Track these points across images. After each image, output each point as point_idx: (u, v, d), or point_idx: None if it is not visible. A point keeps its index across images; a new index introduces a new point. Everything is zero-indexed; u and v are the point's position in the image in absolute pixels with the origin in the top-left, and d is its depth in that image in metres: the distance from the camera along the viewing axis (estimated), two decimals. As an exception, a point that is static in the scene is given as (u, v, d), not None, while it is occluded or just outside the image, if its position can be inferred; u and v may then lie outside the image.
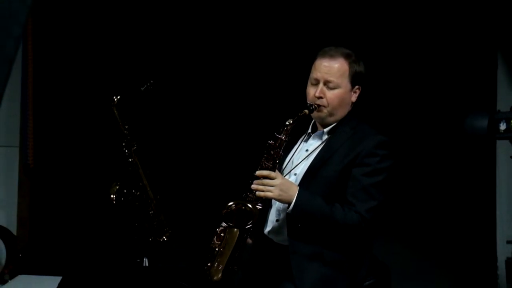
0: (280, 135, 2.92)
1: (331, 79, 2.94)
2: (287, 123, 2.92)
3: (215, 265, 2.90)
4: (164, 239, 3.33)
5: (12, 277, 4.38)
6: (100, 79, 4.50)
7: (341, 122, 2.99)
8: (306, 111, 2.92)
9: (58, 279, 3.74)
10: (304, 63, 3.08)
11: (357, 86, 2.99)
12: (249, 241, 2.99)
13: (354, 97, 3.00)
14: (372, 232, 2.91)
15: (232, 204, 2.87)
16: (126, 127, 3.33)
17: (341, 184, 2.87)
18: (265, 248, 3.01)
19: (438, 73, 4.41)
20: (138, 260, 3.32)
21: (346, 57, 2.96)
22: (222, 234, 2.95)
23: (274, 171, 2.89)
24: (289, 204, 2.84)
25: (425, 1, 4.36)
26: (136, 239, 3.33)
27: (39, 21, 4.56)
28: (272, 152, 2.92)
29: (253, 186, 2.86)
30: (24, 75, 4.60)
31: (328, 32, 4.25)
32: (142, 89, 3.30)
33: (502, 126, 2.85)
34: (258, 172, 2.87)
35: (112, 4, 4.55)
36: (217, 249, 2.93)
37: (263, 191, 2.84)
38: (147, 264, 3.30)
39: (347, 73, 2.95)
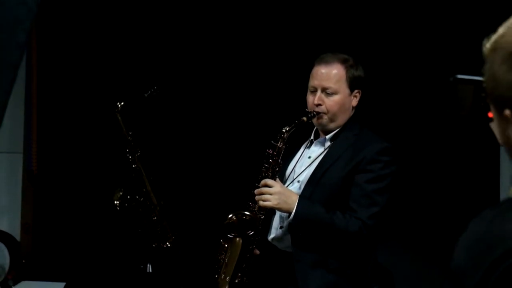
0: (277, 142, 2.92)
1: (328, 85, 2.94)
2: (283, 130, 2.92)
3: (222, 277, 2.90)
4: (167, 245, 3.33)
5: (15, 283, 4.38)
6: (104, 85, 4.50)
7: (343, 128, 2.99)
8: (304, 118, 2.93)
9: (61, 285, 3.74)
10: (307, 70, 3.08)
11: (356, 90, 2.99)
12: (257, 252, 2.99)
13: (354, 102, 3.00)
14: (375, 238, 2.91)
15: (233, 216, 2.87)
16: (130, 133, 3.33)
17: (344, 191, 2.87)
18: (269, 255, 3.00)
19: (441, 78, 4.41)
20: (142, 266, 3.32)
21: (343, 62, 2.96)
22: (226, 245, 2.95)
23: (274, 179, 2.89)
24: (289, 213, 2.84)
25: (429, 6, 4.36)
26: (140, 245, 3.33)
27: (43, 28, 4.57)
28: (271, 160, 2.92)
29: (255, 198, 2.87)
30: (28, 81, 4.61)
31: (331, 37, 4.25)
32: (146, 95, 3.31)
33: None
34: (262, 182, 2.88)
35: (115, 12, 4.55)
36: (222, 261, 2.93)
37: (262, 200, 2.84)
38: (150, 270, 3.30)
39: (344, 78, 2.95)
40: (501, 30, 1.26)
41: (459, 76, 1.35)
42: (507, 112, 1.22)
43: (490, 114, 1.29)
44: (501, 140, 1.28)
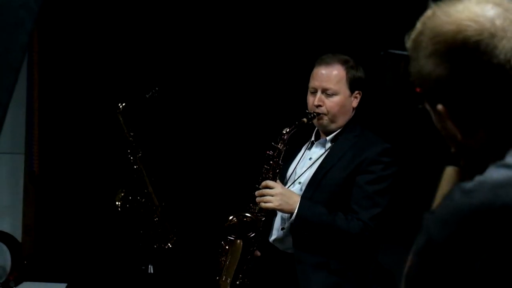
0: (277, 144, 2.92)
1: (328, 87, 2.93)
2: (283, 131, 2.92)
3: (223, 279, 2.90)
4: (169, 246, 3.33)
5: (17, 284, 4.38)
6: (105, 86, 4.51)
7: (344, 129, 2.99)
8: (305, 119, 2.93)
9: (63, 286, 3.74)
10: (307, 71, 3.08)
11: (357, 91, 2.98)
12: (258, 253, 2.99)
13: (355, 103, 3.00)
14: (377, 239, 2.91)
15: (233, 218, 2.87)
16: (131, 134, 3.33)
17: (345, 192, 2.87)
18: (270, 257, 3.00)
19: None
20: (143, 267, 3.32)
21: (343, 63, 2.96)
22: (227, 247, 2.95)
23: (275, 181, 2.89)
24: (291, 214, 2.84)
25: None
26: (141, 246, 3.33)
27: (45, 29, 4.57)
28: (271, 162, 2.92)
29: (256, 199, 2.87)
30: (29, 83, 4.61)
31: (331, 38, 4.25)
32: (147, 96, 3.31)
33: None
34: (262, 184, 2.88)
35: (116, 13, 4.56)
36: (223, 262, 2.93)
37: (263, 201, 2.84)
38: (152, 271, 3.31)
39: (344, 79, 2.95)
40: (418, 26, 1.23)
41: (391, 51, 1.34)
42: (439, 107, 1.21)
43: (418, 89, 1.27)
44: (439, 128, 1.26)
